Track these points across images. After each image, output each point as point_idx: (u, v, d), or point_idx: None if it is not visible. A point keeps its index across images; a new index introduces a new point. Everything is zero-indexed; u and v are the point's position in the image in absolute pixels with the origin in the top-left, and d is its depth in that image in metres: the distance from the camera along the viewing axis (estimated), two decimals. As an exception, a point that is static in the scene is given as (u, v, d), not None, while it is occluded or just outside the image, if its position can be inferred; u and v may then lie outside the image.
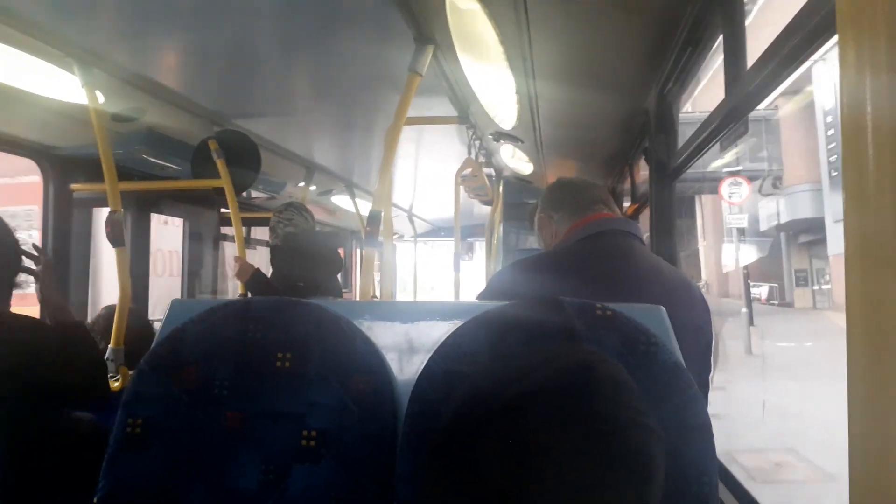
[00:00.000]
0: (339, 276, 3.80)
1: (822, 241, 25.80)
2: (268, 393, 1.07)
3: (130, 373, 2.29)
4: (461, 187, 3.76)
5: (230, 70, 2.47)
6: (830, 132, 21.01)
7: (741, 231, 16.47)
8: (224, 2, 1.85)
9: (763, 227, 26.09)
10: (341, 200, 5.35)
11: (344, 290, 7.03)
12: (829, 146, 21.19)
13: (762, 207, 25.49)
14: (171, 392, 1.09)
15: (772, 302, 22.04)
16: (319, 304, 1.16)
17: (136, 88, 2.44)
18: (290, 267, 3.34)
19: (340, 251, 3.75)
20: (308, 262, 3.35)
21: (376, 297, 3.99)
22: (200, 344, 1.12)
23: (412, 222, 7.43)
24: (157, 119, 2.83)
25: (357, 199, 4.99)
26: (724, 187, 15.64)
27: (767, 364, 12.13)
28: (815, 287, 27.89)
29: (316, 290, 3.35)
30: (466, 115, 2.88)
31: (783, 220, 24.65)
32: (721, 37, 1.58)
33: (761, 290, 25.06)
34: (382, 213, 2.08)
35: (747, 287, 20.48)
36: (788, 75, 1.20)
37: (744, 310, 14.92)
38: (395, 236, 7.30)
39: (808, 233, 26.25)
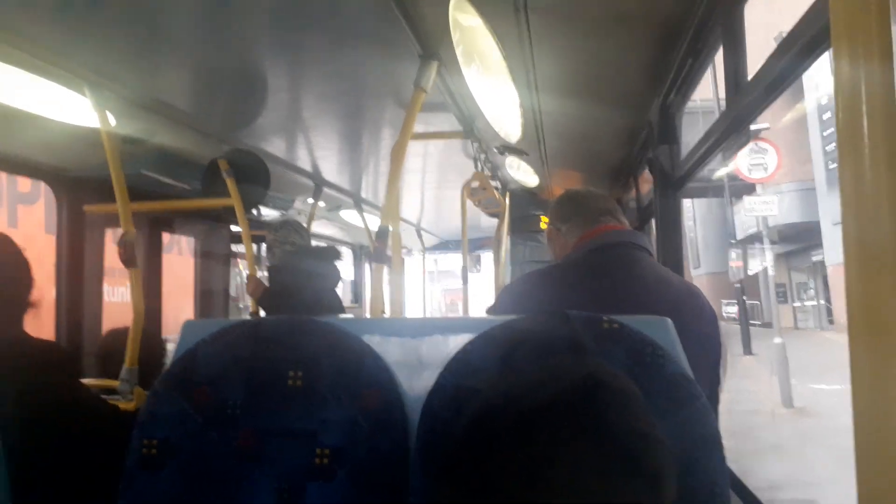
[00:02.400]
0: (342, 291, 3.82)
1: (802, 252, 23.34)
2: (281, 411, 1.09)
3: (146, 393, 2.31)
4: (469, 200, 3.78)
5: (238, 89, 2.50)
6: (826, 115, 17.63)
7: (765, 221, 11.79)
8: (230, 23, 1.88)
9: (739, 235, 22.42)
10: (349, 216, 5.38)
11: (354, 306, 7.06)
12: (825, 133, 17.89)
13: (738, 213, 21.79)
14: (185, 412, 1.10)
15: (753, 322, 19.40)
16: (329, 322, 1.17)
17: (147, 110, 2.47)
18: (289, 284, 3.37)
19: (338, 264, 3.79)
20: (306, 279, 3.38)
21: (385, 312, 4.01)
22: (213, 364, 1.13)
23: (420, 236, 7.45)
24: (168, 140, 2.86)
25: (365, 214, 5.01)
26: (742, 158, 10.72)
27: (841, 430, 6.80)
28: (797, 304, 25.36)
29: (318, 304, 3.38)
30: (472, 129, 2.90)
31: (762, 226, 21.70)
32: (721, 47, 1.59)
33: (737, 309, 21.62)
34: (391, 228, 2.09)
35: (743, 307, 17.79)
36: (788, 85, 1.22)
37: (778, 339, 10.47)
38: (403, 251, 7.32)
39: (788, 241, 22.66)
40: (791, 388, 9.85)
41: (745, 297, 18.10)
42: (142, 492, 1.07)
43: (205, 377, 1.12)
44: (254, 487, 1.05)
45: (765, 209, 11.68)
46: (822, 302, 23.79)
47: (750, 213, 12.01)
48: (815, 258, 23.15)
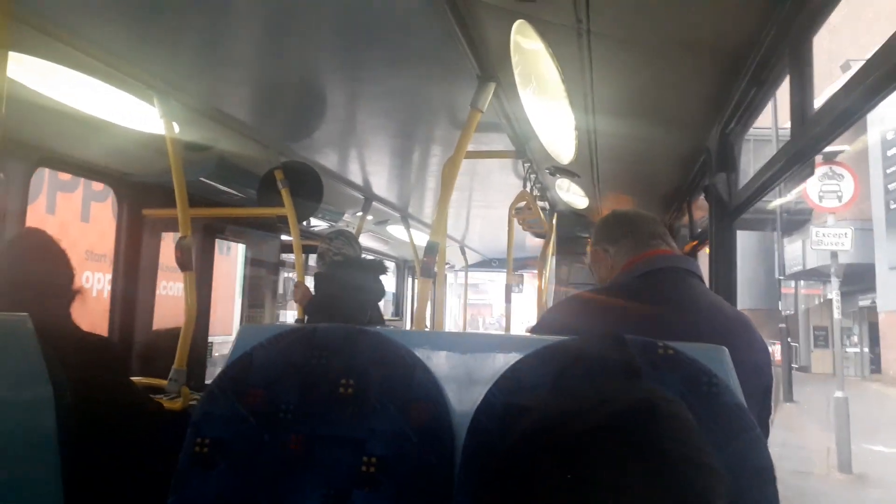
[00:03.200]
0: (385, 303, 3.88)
1: (848, 296, 21.06)
2: (331, 418, 1.10)
3: (195, 394, 2.36)
4: (515, 220, 3.78)
5: (297, 103, 2.57)
6: (891, 151, 16.60)
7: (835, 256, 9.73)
8: (293, 39, 1.94)
9: (783, 272, 20.45)
10: (395, 230, 5.44)
11: (396, 319, 7.11)
12: (889, 170, 16.78)
13: (789, 250, 20.28)
14: (238, 414, 1.13)
15: (791, 365, 17.56)
16: (381, 333, 1.19)
17: (210, 119, 2.55)
18: (334, 294, 3.43)
19: (383, 278, 3.84)
20: (350, 290, 3.43)
21: (428, 326, 4.03)
22: (267, 368, 1.16)
23: (464, 253, 7.47)
24: (227, 148, 2.95)
25: (411, 230, 5.06)
26: (812, 184, 9.16)
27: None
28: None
29: (360, 315, 3.42)
30: (524, 149, 2.90)
31: (810, 265, 19.29)
32: (788, 78, 1.57)
33: (773, 350, 20.07)
34: (439, 245, 2.10)
35: (787, 349, 16.50)
36: (856, 120, 1.19)
37: (840, 393, 8.47)
38: (446, 266, 7.33)
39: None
40: (851, 451, 8.18)
41: (789, 339, 16.98)
42: (193, 489, 1.10)
43: (259, 381, 1.15)
44: (301, 491, 1.07)
45: (836, 243, 9.52)
46: (866, 350, 22.40)
47: (818, 247, 9.79)
48: (861, 303, 21.94)
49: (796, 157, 1.52)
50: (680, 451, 0.73)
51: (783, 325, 17.06)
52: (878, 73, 1.03)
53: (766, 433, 1.41)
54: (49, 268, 1.85)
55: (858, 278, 19.36)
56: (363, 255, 3.79)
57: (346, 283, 3.46)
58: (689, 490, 0.71)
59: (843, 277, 19.89)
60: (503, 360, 1.11)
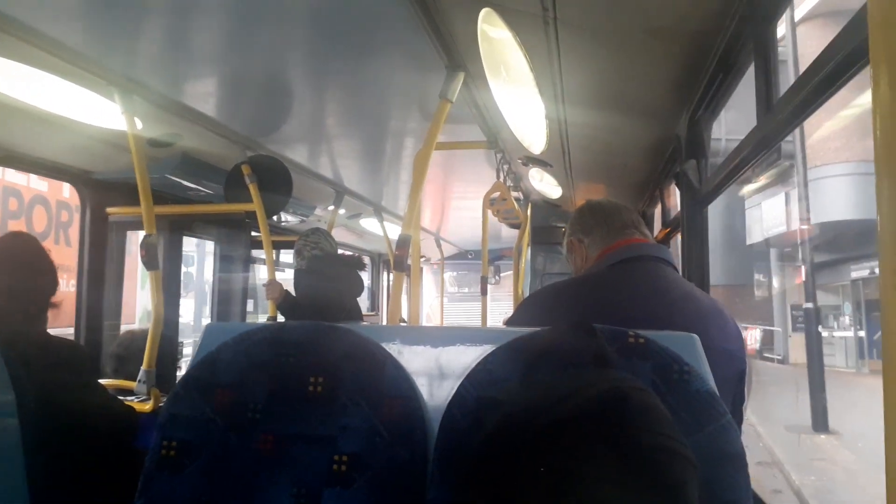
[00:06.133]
0: (360, 298, 3.88)
1: (834, 265, 17.04)
2: (300, 416, 1.08)
3: (163, 396, 2.32)
4: (489, 211, 3.78)
5: (264, 96, 2.52)
6: None
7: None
8: (258, 30, 1.90)
9: (755, 237, 17.16)
10: (369, 224, 5.40)
11: (371, 314, 7.08)
12: None
13: (765, 208, 16.33)
14: (205, 415, 1.10)
15: (767, 356, 14.62)
16: (351, 329, 1.17)
17: (173, 114, 2.50)
18: (315, 289, 3.41)
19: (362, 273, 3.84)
20: (332, 284, 3.42)
21: (404, 321, 4.01)
22: (235, 367, 1.13)
23: (439, 245, 7.46)
24: (193, 144, 2.89)
25: (385, 223, 5.03)
26: None
27: None
28: (824, 333, 15.59)
29: (341, 310, 3.41)
30: (496, 140, 2.89)
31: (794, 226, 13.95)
32: (753, 63, 1.58)
33: (748, 335, 16.58)
34: (412, 237, 2.09)
35: (818, 340, 10.24)
36: (821, 104, 1.20)
37: None
38: (421, 259, 7.33)
39: (819, 250, 14.45)
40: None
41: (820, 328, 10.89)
42: (160, 492, 1.07)
43: (226, 380, 1.12)
44: (271, 491, 1.05)
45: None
46: (861, 333, 17.40)
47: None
48: (855, 273, 16.97)
49: (763, 143, 1.53)
50: (651, 440, 0.73)
51: (810, 305, 11.05)
52: (839, 58, 1.03)
53: (740, 420, 1.42)
54: (11, 272, 1.81)
55: (850, 242, 15.41)
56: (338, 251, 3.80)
57: (328, 276, 3.45)
58: (660, 478, 0.71)
59: (831, 240, 15.51)
60: (475, 353, 1.10)
